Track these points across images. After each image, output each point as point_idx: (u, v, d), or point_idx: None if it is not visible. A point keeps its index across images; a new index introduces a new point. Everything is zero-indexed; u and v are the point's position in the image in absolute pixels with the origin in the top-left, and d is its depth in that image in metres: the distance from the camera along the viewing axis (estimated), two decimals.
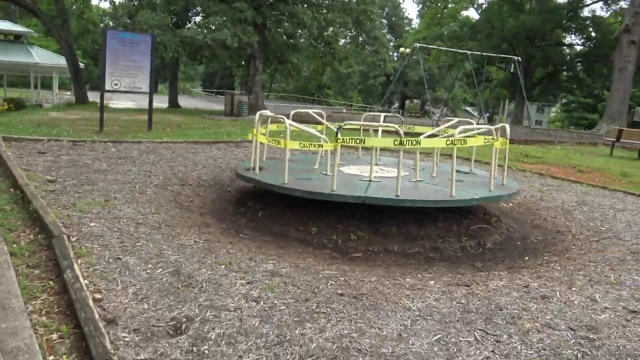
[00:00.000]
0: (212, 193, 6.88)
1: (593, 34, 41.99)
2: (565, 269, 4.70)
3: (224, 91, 40.89)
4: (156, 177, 7.11)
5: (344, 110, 43.05)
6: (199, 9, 24.74)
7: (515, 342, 3.08)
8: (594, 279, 4.37)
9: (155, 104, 15.59)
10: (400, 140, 5.00)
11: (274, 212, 5.80)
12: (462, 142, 5.26)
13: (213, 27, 20.39)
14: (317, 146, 5.43)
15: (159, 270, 3.77)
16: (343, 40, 29.23)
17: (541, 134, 23.53)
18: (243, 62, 26.62)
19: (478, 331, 3.19)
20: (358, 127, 7.74)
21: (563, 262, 4.96)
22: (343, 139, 5.14)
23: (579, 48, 46.11)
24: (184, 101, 36.48)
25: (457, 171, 7.37)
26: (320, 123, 7.52)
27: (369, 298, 3.58)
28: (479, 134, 5.85)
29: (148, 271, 3.73)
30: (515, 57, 23.75)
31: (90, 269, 3.67)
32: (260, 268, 4.04)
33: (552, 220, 6.71)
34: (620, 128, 15.95)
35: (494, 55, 25.44)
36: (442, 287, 3.95)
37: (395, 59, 59.19)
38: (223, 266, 3.99)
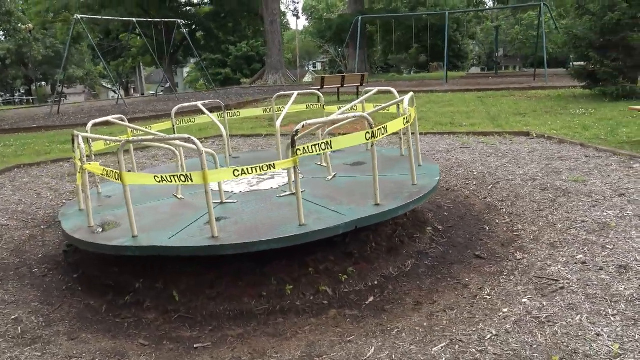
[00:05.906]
0: (35, 281, 4.02)
1: None
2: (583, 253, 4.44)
3: None
4: None
5: None
6: None
7: None
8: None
9: None
10: (372, 132, 3.71)
11: (192, 285, 3.69)
12: (408, 120, 4.31)
13: None
14: (266, 169, 3.55)
15: None
16: None
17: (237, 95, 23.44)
18: None
19: None
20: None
21: (543, 238, 4.68)
22: (302, 147, 3.49)
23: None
24: None
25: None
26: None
27: None
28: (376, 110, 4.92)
29: None
30: (180, 20, 22.60)
31: None
32: None
33: None
34: (323, 76, 17.06)
35: (159, 20, 23.61)
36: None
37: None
38: None
